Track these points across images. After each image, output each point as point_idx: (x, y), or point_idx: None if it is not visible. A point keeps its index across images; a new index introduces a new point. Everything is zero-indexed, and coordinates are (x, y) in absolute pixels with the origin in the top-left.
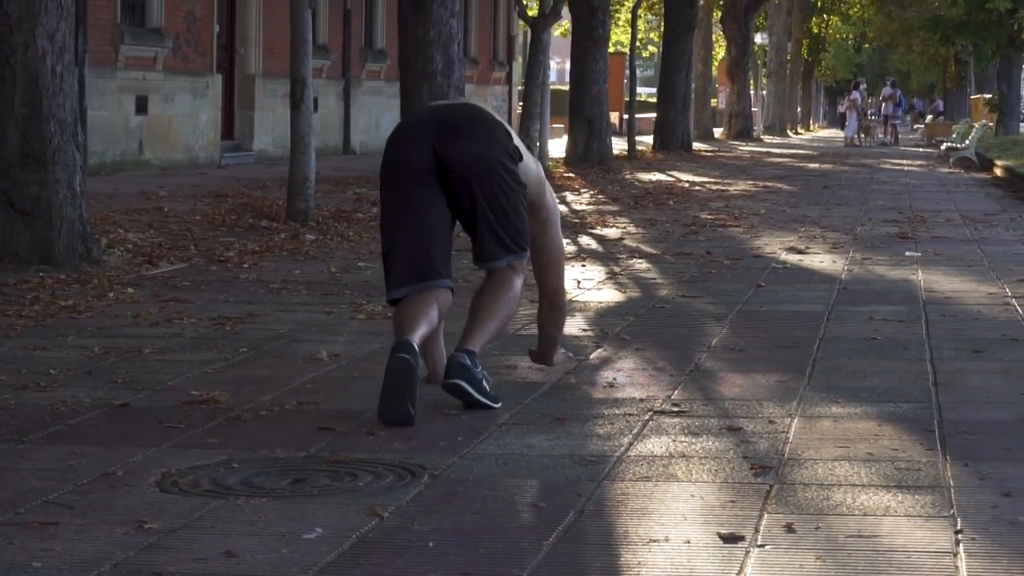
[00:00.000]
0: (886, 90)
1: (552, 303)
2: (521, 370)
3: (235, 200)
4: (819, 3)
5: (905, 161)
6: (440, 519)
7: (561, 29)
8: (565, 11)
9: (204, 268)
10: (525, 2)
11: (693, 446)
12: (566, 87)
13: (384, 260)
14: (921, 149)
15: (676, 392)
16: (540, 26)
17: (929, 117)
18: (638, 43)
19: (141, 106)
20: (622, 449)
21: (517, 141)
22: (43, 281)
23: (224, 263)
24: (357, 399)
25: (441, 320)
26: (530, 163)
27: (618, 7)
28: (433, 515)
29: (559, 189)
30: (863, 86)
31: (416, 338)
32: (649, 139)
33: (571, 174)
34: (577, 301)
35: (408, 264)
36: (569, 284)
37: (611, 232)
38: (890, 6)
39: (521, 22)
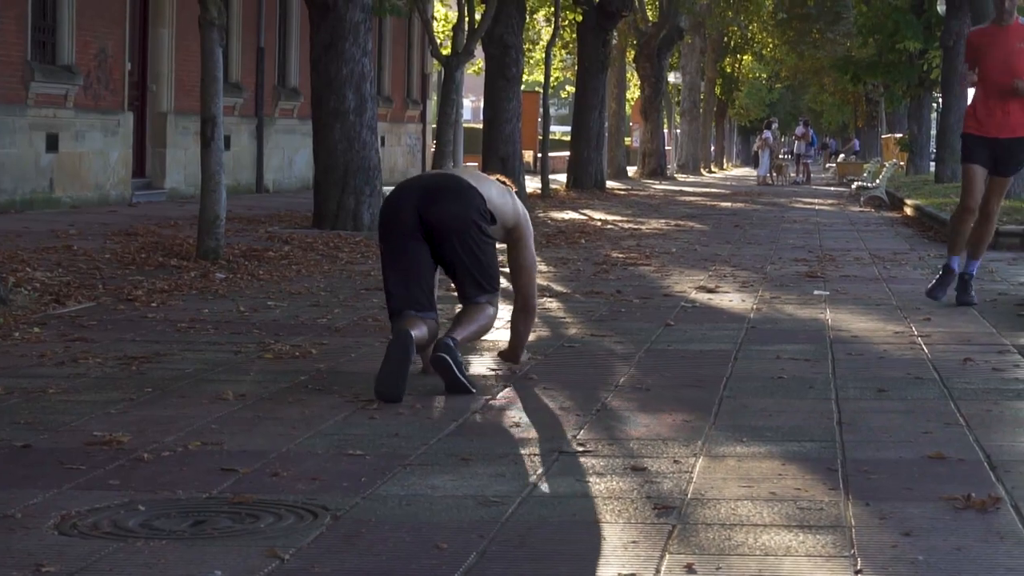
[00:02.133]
0: (798, 129)
1: (524, 305)
2: (427, 410)
3: (145, 238)
4: (732, 43)
5: (816, 200)
6: (341, 561)
7: (475, 67)
8: (478, 50)
9: (112, 307)
10: (438, 41)
11: (597, 486)
12: (481, 125)
13: (386, 295)
14: (833, 188)
15: (582, 432)
16: (453, 65)
17: (841, 156)
18: (555, 82)
19: (51, 144)
20: (527, 490)
21: (497, 191)
22: None
23: (132, 302)
24: (262, 439)
25: (432, 337)
26: (507, 205)
27: (532, 46)
28: (334, 557)
29: None
30: (775, 125)
31: (414, 332)
32: (563, 177)
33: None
34: (485, 340)
35: (403, 300)
36: None
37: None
38: (802, 46)
39: (435, 61)
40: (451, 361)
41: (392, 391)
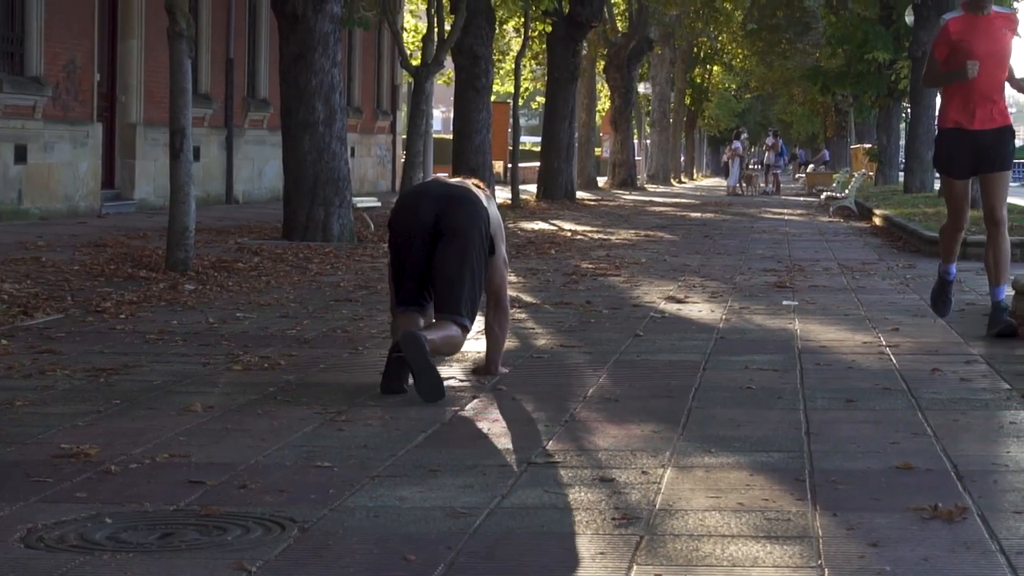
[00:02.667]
0: (768, 139)
1: (497, 303)
2: (396, 421)
3: (114, 250)
4: (701, 53)
5: (786, 210)
6: (308, 573)
7: (444, 78)
8: (448, 60)
9: (80, 319)
10: (408, 52)
11: (565, 497)
12: (451, 136)
13: (394, 286)
14: (802, 198)
15: (551, 443)
16: (423, 75)
17: (811, 166)
18: (525, 93)
19: (20, 155)
20: (495, 501)
21: (494, 208)
22: None
23: (101, 314)
24: (230, 451)
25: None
26: (495, 215)
27: (502, 57)
28: (301, 569)
29: None
30: (744, 135)
31: (414, 329)
32: (533, 188)
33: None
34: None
35: (408, 294)
36: None
37: None
38: (772, 56)
39: (405, 71)
40: (425, 346)
41: (435, 392)
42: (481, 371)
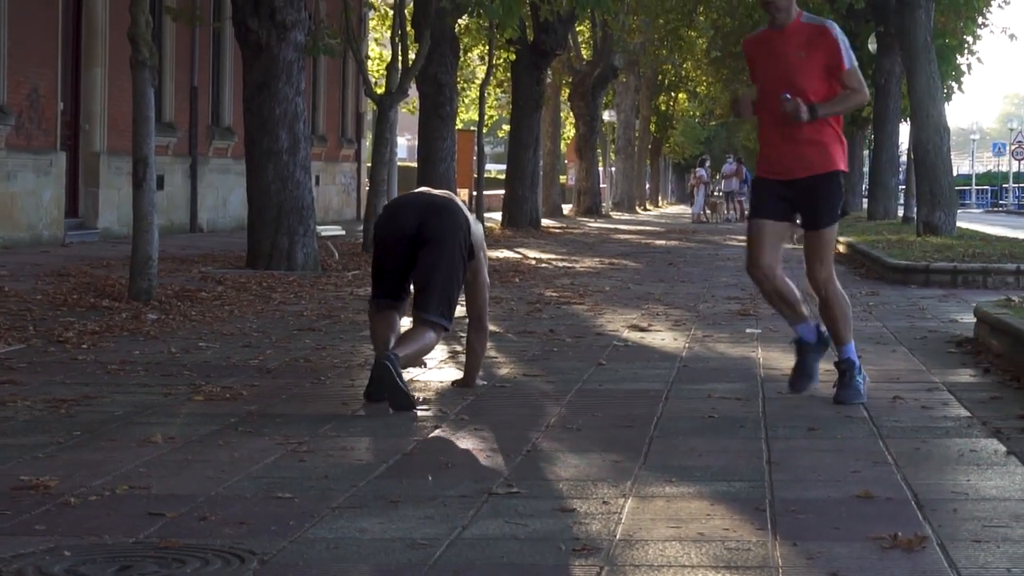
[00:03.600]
0: (728, 167)
1: (478, 324)
2: (357, 452)
3: (77, 279)
4: (666, 81)
5: None
6: None
7: (409, 106)
8: (413, 89)
9: (42, 349)
10: (373, 80)
11: (526, 528)
12: (416, 164)
13: (373, 282)
14: None
15: (512, 473)
16: (387, 104)
17: None
18: (490, 120)
19: None
20: (455, 532)
21: (473, 220)
22: None
23: (63, 344)
24: (190, 483)
25: (399, 323)
26: (478, 231)
27: (467, 85)
28: None
29: None
30: (708, 163)
31: (390, 349)
32: (498, 216)
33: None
34: (417, 381)
35: (386, 289)
36: None
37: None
38: (736, 84)
39: (369, 100)
40: (393, 370)
41: (403, 402)
42: (460, 383)
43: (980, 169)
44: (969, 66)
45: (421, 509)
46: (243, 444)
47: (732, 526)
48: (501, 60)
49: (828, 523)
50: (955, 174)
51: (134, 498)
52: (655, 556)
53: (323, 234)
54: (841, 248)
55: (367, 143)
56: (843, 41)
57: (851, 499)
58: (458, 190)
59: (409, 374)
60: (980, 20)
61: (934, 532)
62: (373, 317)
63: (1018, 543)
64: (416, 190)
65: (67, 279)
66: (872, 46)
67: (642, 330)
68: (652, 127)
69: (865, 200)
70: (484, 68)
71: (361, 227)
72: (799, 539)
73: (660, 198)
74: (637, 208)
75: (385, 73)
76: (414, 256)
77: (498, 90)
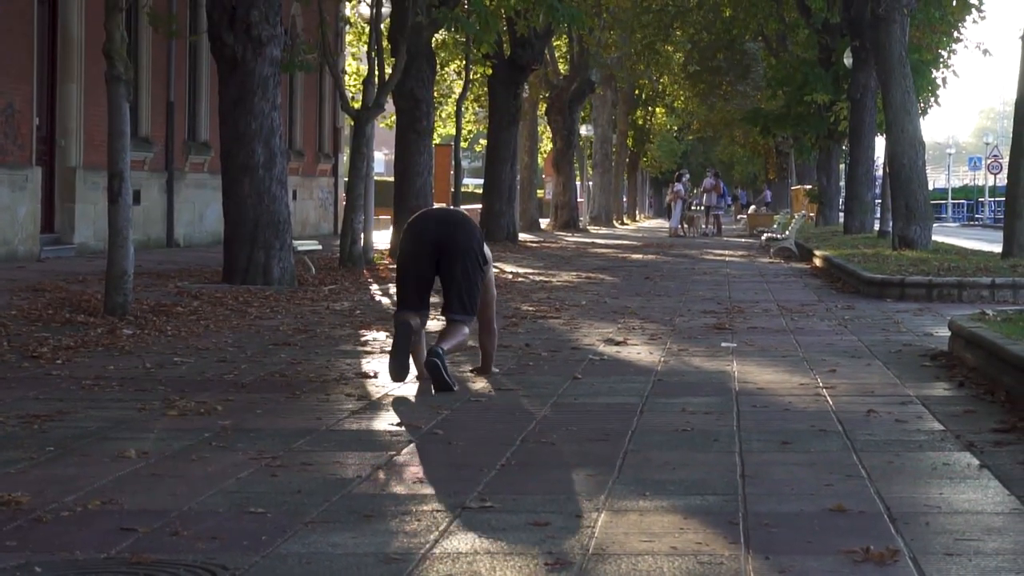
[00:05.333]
0: (708, 181)
1: (487, 328)
2: (331, 466)
3: (53, 294)
4: (643, 95)
5: (727, 251)
6: None
7: (387, 121)
8: (390, 103)
9: (16, 364)
10: (349, 94)
11: (499, 542)
12: (393, 178)
13: (398, 292)
14: (743, 239)
15: (486, 487)
16: (364, 118)
17: (752, 207)
18: (468, 135)
19: None
20: (427, 547)
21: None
22: None
23: (37, 359)
24: (163, 498)
25: (423, 331)
26: (487, 251)
27: (444, 100)
28: None
29: (382, 281)
30: (686, 177)
31: (412, 322)
32: None
33: (396, 265)
34: (392, 396)
35: (410, 299)
36: (385, 379)
37: (432, 325)
38: (713, 98)
39: (346, 115)
40: (440, 364)
41: (399, 366)
42: (478, 371)
43: (956, 183)
44: (944, 80)
45: (394, 523)
46: (217, 459)
47: (705, 540)
48: (478, 75)
49: (801, 537)
50: (931, 188)
51: (106, 513)
52: (628, 570)
53: (300, 249)
54: (817, 262)
55: (344, 158)
56: None
57: (824, 513)
58: (435, 205)
59: (385, 388)
60: (955, 35)
61: (906, 546)
62: (395, 318)
63: (990, 556)
64: (434, 207)
65: (42, 294)
66: (848, 60)
67: (618, 344)
68: (629, 141)
69: (841, 214)
70: (461, 83)
71: (338, 242)
72: (772, 553)
73: (638, 212)
74: (614, 222)
75: (362, 88)
76: (436, 264)
77: (475, 104)
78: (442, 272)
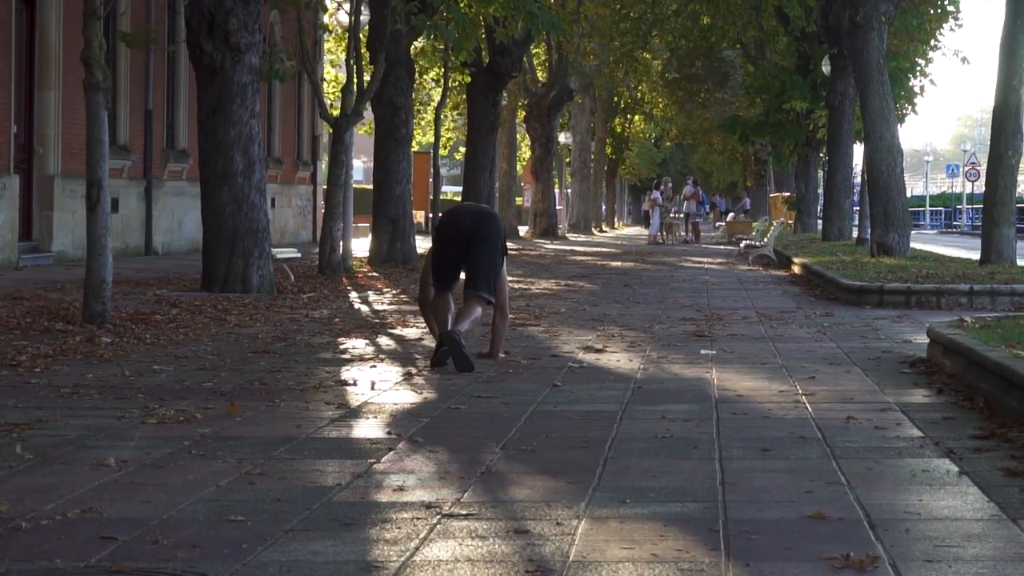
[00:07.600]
0: (687, 188)
1: (501, 310)
2: (311, 474)
3: (31, 303)
4: (622, 103)
5: (706, 259)
6: None
7: (365, 128)
8: (368, 111)
9: None
10: (328, 102)
11: (479, 550)
12: (372, 186)
13: (434, 273)
14: (722, 247)
15: (466, 495)
16: (342, 126)
17: (731, 214)
18: (447, 143)
19: None
20: (407, 554)
21: None
22: None
23: (15, 367)
24: (143, 506)
25: (451, 303)
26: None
27: (422, 107)
28: None
29: (361, 289)
30: (670, 184)
31: (454, 327)
32: None
33: (375, 273)
34: (371, 404)
35: (444, 278)
36: (365, 387)
37: (410, 332)
38: (691, 106)
39: (324, 122)
40: (459, 343)
41: (466, 366)
42: (485, 355)
43: (934, 190)
44: (922, 88)
45: (374, 531)
46: (196, 467)
47: (685, 547)
48: (456, 82)
49: (781, 544)
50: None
51: (86, 522)
52: None
53: (278, 256)
54: (796, 269)
55: (323, 165)
56: None
57: (804, 519)
58: (414, 212)
59: (364, 396)
60: (932, 43)
61: (886, 552)
62: (433, 300)
63: (970, 563)
64: (465, 203)
65: (21, 302)
66: (826, 68)
67: (597, 351)
68: (608, 149)
69: (820, 221)
70: (440, 90)
71: (317, 250)
72: (752, 560)
73: (616, 219)
74: (593, 229)
75: (340, 95)
76: (466, 250)
77: (454, 112)
78: (470, 256)
